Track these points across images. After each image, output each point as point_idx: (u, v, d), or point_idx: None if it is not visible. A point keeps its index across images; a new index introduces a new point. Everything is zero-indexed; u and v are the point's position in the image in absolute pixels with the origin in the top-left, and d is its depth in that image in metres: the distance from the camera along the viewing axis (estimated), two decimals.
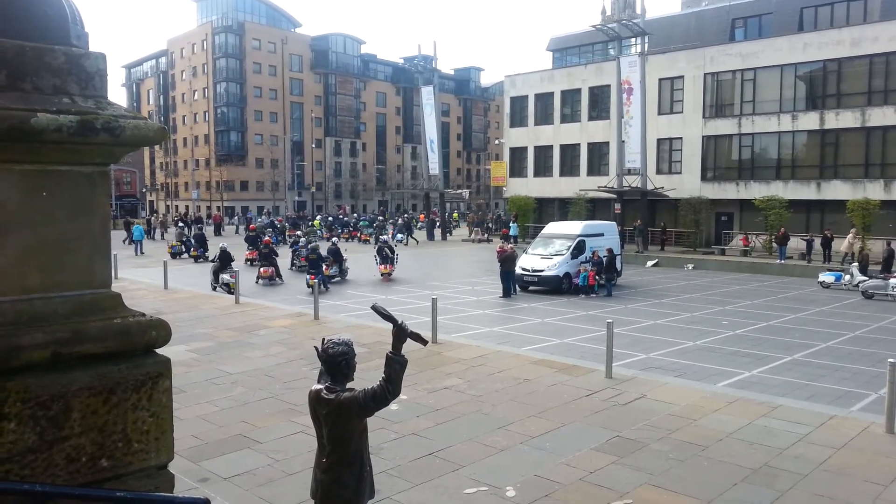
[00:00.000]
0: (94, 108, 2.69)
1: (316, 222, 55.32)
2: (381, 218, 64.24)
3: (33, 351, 2.52)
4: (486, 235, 49.91)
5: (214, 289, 23.64)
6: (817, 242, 32.52)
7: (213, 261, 25.75)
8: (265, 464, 7.93)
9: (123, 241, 42.29)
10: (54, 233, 2.69)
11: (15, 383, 2.47)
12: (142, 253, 37.33)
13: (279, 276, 26.28)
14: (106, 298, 2.83)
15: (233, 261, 24.84)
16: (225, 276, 23.64)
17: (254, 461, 8.02)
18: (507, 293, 22.76)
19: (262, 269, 25.87)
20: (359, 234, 49.14)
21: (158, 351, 2.91)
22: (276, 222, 52.80)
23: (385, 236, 34.27)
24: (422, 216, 62.83)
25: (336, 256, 26.43)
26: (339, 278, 26.47)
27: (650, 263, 34.23)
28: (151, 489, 2.82)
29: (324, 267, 24.92)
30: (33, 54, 2.62)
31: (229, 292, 22.64)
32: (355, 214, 73.09)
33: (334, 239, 32.85)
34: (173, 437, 2.92)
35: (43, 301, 2.66)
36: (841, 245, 31.75)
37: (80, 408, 2.61)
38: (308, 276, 23.93)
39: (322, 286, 23.50)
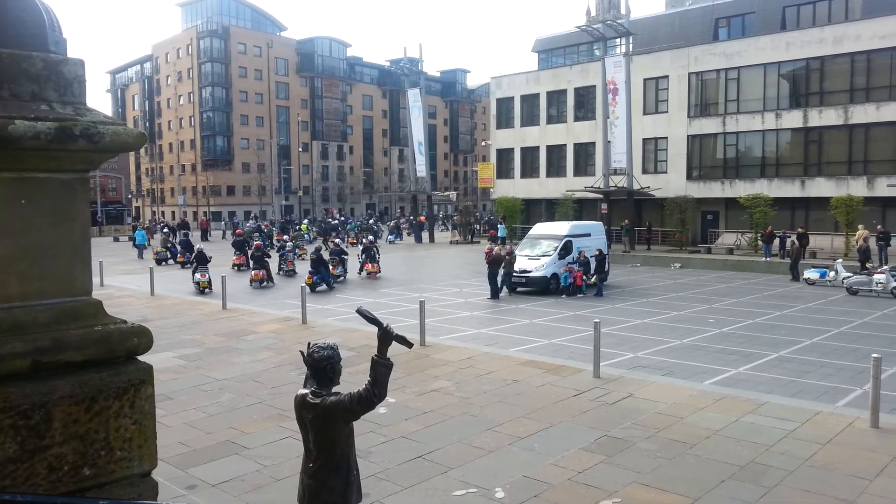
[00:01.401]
0: (73, 114, 2.67)
1: (304, 226, 55.17)
2: (370, 221, 64.64)
3: (13, 360, 2.50)
4: (467, 237, 50.03)
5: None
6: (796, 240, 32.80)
7: (191, 262, 26.73)
8: (253, 470, 7.91)
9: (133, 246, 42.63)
10: (34, 240, 2.67)
11: None
12: (142, 257, 37.60)
13: (270, 279, 26.52)
14: (87, 306, 2.82)
15: (208, 261, 25.50)
16: (196, 276, 24.47)
17: (242, 467, 7.99)
18: (494, 295, 22.74)
19: (253, 273, 26.17)
20: (346, 237, 49.47)
21: (140, 358, 2.90)
22: (262, 227, 52.53)
23: (371, 236, 35.00)
24: (422, 217, 64.15)
25: (339, 256, 27.28)
26: (342, 278, 27.06)
27: (631, 265, 34.27)
28: (135, 497, 2.81)
29: (330, 267, 25.94)
30: (10, 61, 2.60)
31: (201, 292, 23.86)
32: (342, 218, 73.15)
33: (337, 240, 33.40)
34: (156, 444, 2.91)
35: (23, 309, 2.64)
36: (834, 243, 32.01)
37: (62, 416, 2.60)
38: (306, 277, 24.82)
39: (326, 285, 24.73)
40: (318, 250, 25.64)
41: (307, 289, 24.10)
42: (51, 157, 2.66)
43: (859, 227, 31.10)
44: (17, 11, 2.72)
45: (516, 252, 25.73)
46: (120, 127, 2.78)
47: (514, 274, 23.94)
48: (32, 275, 2.68)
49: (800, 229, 32.50)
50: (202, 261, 25.00)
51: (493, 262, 22.89)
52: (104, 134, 2.70)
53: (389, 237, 51.11)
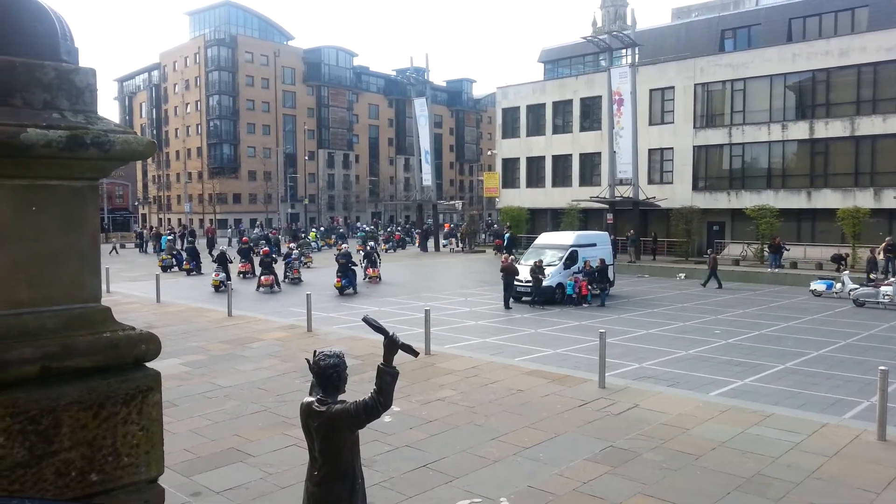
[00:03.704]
0: (84, 122, 2.70)
1: (312, 234, 55.38)
2: (397, 229, 65.89)
3: (22, 365, 2.52)
4: (463, 247, 50.24)
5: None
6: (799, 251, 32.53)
7: (214, 261, 28.04)
8: (258, 477, 7.90)
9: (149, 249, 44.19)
10: (44, 247, 2.69)
11: (4, 398, 2.47)
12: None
13: (278, 284, 27.15)
14: (95, 312, 2.83)
15: (230, 262, 27.24)
16: (212, 276, 26.58)
17: (246, 475, 7.98)
18: (507, 304, 22.76)
19: (262, 278, 26.76)
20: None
21: (148, 364, 2.91)
22: (270, 235, 52.66)
23: (372, 243, 35.66)
24: (447, 225, 65.76)
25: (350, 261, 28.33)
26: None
27: (638, 276, 34.23)
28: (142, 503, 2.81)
29: (365, 270, 28.92)
30: (23, 70, 2.63)
31: (216, 290, 25.64)
32: (360, 224, 74.15)
33: (344, 246, 33.85)
34: (163, 450, 2.92)
35: (32, 315, 2.66)
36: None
37: (70, 422, 2.61)
38: (335, 280, 26.06)
39: (352, 289, 26.01)
40: (345, 255, 26.47)
41: (335, 291, 25.49)
42: (62, 165, 2.68)
43: (887, 238, 30.98)
44: (31, 21, 2.75)
45: (522, 261, 25.64)
46: (130, 135, 2.81)
47: (520, 283, 23.71)
48: (42, 281, 2.70)
49: (844, 253, 31.81)
50: (221, 261, 26.75)
51: (506, 272, 22.88)
52: (115, 142, 2.73)
53: (445, 242, 51.16)
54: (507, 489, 7.54)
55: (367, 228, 62.63)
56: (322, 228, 63.30)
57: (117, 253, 48.29)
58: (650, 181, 41.69)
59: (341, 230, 63.60)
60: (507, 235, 44.65)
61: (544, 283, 23.82)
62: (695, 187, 40.84)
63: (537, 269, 23.42)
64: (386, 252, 49.10)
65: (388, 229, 64.92)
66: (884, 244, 29.60)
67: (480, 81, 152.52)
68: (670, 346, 16.45)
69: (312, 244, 49.21)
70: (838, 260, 30.95)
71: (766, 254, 34.00)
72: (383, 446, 8.83)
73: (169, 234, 49.68)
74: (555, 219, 46.03)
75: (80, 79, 2.77)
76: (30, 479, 2.53)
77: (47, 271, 2.71)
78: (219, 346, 15.37)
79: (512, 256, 25.12)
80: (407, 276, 33.05)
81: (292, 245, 35.66)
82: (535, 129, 48.82)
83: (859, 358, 15.29)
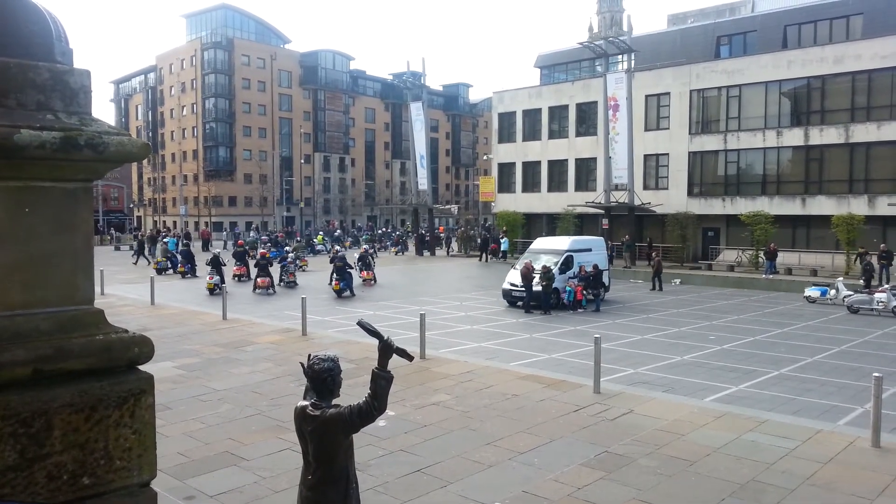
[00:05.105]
0: (78, 124, 2.69)
1: (319, 238, 55.72)
2: (396, 232, 66.61)
3: (14, 367, 2.50)
4: (457, 251, 50.48)
5: None
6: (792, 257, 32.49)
7: (208, 264, 28.11)
8: (251, 481, 7.87)
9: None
10: (37, 249, 2.68)
11: None
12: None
13: (273, 286, 27.24)
14: (88, 314, 2.82)
15: (223, 265, 27.26)
16: (206, 279, 26.84)
17: (240, 479, 7.95)
18: (526, 308, 22.86)
19: (259, 280, 26.85)
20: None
21: (142, 367, 2.90)
22: (277, 238, 52.88)
23: (366, 246, 35.97)
24: (441, 227, 66.48)
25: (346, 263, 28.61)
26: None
27: (632, 282, 34.33)
28: None
29: (359, 272, 28.89)
30: (17, 70, 2.62)
31: (210, 293, 25.75)
32: (361, 227, 74.71)
33: (337, 247, 34.10)
34: (156, 454, 2.90)
35: (25, 317, 2.64)
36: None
37: (62, 425, 2.59)
38: (332, 283, 26.36)
39: (349, 291, 26.24)
40: (341, 258, 26.68)
41: (331, 294, 25.80)
42: (55, 167, 2.67)
43: (881, 245, 31.05)
44: (25, 22, 2.74)
45: (517, 266, 25.58)
46: (125, 137, 2.79)
47: (515, 288, 23.79)
48: (35, 283, 2.69)
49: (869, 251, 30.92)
50: (215, 265, 26.84)
51: (524, 278, 22.99)
52: (109, 144, 2.71)
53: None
54: (502, 494, 7.53)
55: (378, 231, 63.27)
56: (337, 233, 63.68)
57: (143, 257, 41.40)
58: (645, 187, 41.76)
59: (336, 233, 63.84)
60: (502, 240, 44.77)
61: (539, 288, 23.78)
62: (690, 193, 40.93)
63: (546, 275, 23.18)
64: (396, 255, 49.53)
65: (398, 232, 65.04)
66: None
67: (477, 86, 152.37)
68: (665, 352, 16.46)
69: (318, 247, 49.80)
70: (867, 264, 28.26)
71: (761, 260, 34.09)
72: (377, 450, 8.80)
73: (164, 237, 49.57)
74: (550, 224, 46.05)
75: (74, 80, 2.76)
76: (21, 482, 2.51)
77: (40, 273, 2.70)
78: (213, 350, 15.33)
79: (527, 261, 25.07)
80: (403, 280, 33.03)
81: (288, 248, 35.75)
82: (532, 133, 48.90)
83: (853, 364, 15.32)
